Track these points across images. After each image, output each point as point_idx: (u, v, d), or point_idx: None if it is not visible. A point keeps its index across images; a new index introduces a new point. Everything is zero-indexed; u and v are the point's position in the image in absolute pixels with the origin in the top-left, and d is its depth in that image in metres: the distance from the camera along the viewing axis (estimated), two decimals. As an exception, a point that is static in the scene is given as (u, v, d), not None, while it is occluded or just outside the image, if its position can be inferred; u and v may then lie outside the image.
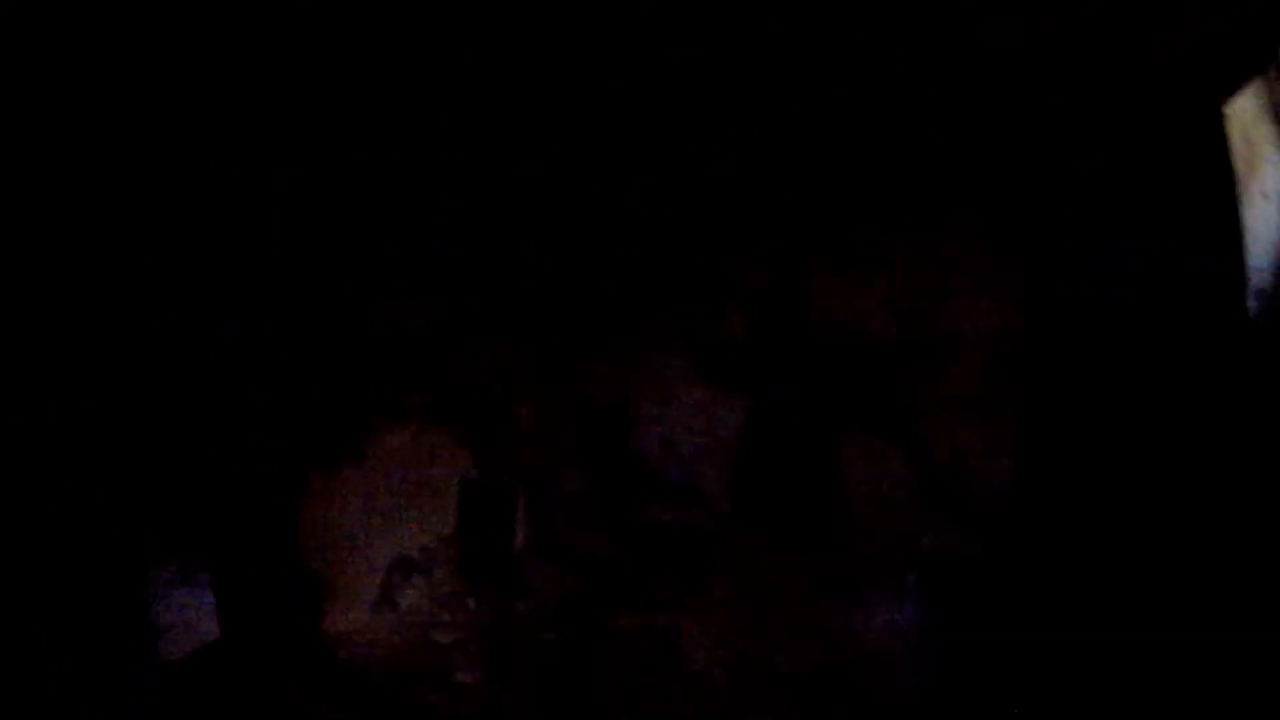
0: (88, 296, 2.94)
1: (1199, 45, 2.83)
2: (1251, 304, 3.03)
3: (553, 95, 2.81)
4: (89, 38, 2.40)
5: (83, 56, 2.44)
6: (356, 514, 3.41)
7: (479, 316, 3.43)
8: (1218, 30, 2.77)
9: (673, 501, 3.60)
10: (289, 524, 3.35)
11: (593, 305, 3.56)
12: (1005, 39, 2.73)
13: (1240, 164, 3.13)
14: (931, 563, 3.27)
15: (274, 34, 2.50)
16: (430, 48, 2.64)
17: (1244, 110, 3.16)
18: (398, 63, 2.67)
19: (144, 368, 3.09)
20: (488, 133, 2.91)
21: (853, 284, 3.45)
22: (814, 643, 3.25)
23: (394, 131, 2.88)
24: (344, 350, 3.29)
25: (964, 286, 3.45)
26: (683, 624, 3.30)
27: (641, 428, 3.64)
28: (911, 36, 2.71)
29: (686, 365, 3.59)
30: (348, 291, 3.19)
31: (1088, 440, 3.19)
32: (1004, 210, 3.33)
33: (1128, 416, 3.14)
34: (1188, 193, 3.11)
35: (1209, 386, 3.07)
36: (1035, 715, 2.90)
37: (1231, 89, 3.03)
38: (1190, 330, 3.09)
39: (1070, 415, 3.23)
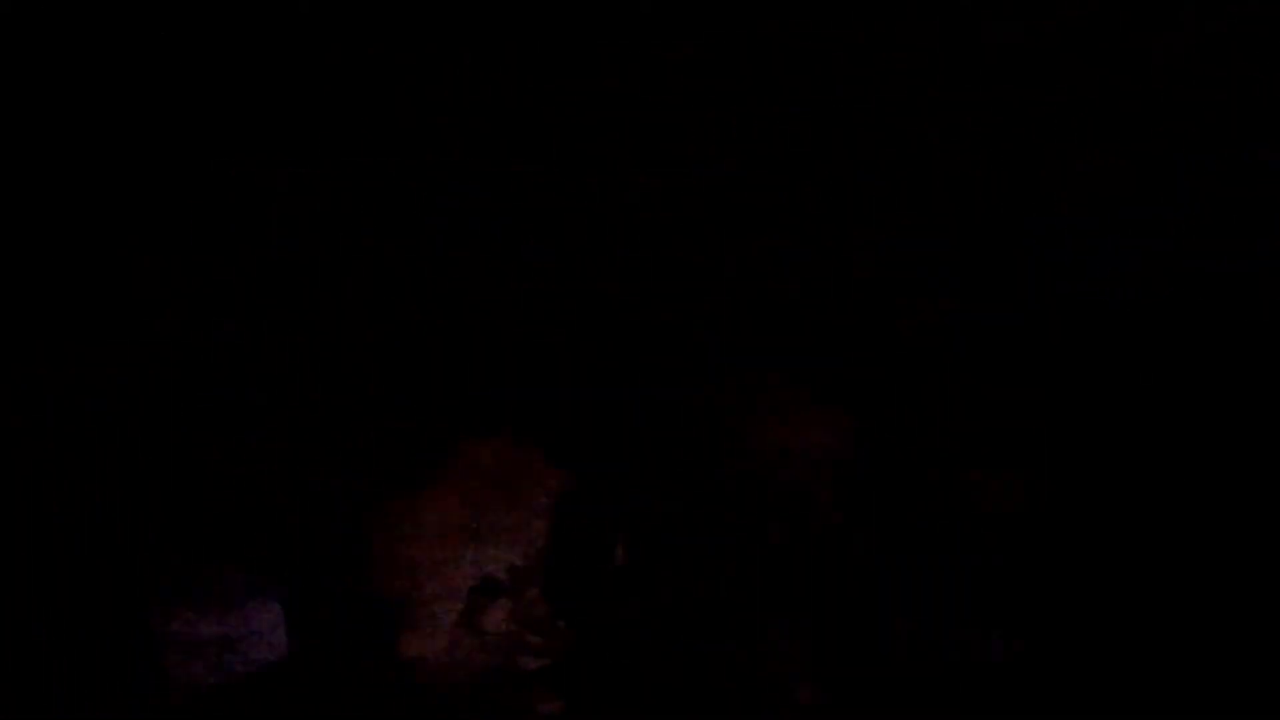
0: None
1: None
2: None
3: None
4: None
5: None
6: (438, 532, 3.32)
7: (574, 330, 3.37)
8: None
9: (782, 520, 3.56)
10: (365, 541, 3.31)
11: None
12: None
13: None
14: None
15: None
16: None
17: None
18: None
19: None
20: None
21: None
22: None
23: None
24: (424, 360, 3.25)
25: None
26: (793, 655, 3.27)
27: (751, 444, 3.60)
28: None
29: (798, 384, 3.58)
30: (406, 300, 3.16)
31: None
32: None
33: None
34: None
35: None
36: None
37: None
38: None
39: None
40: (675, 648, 3.40)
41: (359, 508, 3.28)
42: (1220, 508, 3.13)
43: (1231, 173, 3.18)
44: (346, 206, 3.11)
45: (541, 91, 2.84)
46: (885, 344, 3.67)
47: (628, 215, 3.41)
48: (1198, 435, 3.21)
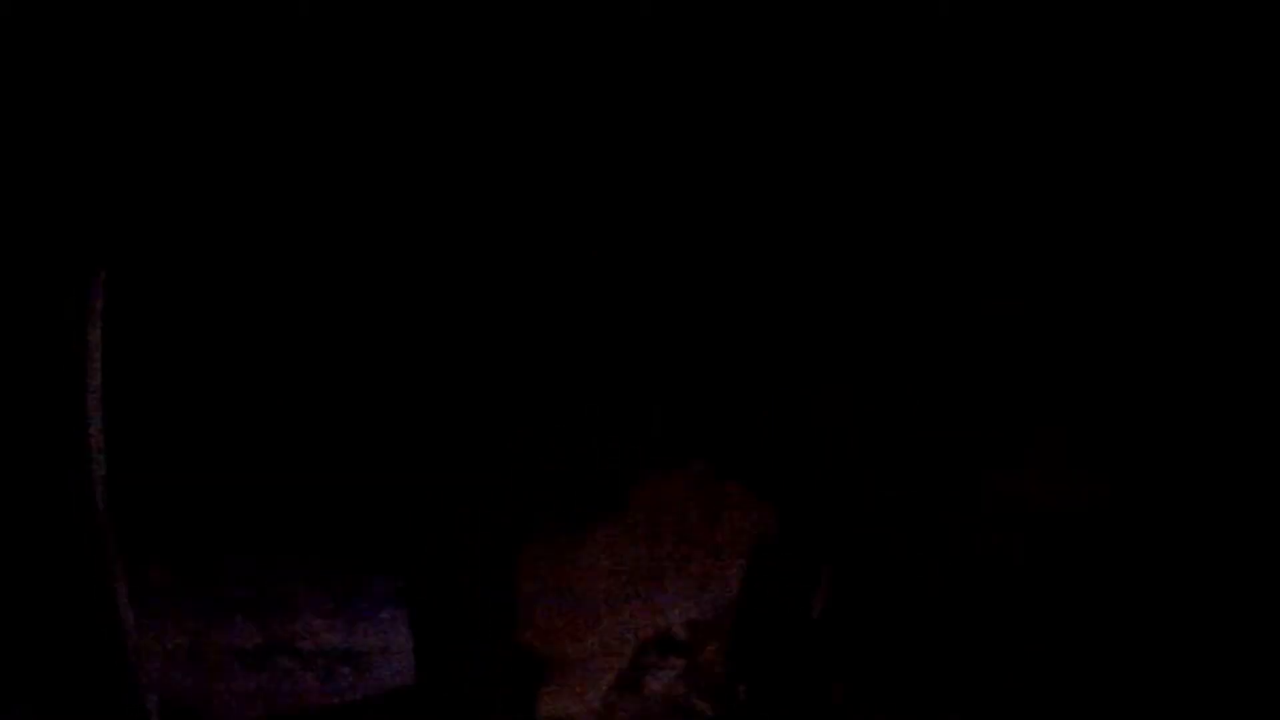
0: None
1: None
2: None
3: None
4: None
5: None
6: (606, 577, 2.74)
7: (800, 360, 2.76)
8: None
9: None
10: (511, 579, 2.71)
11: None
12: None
13: None
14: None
15: None
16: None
17: None
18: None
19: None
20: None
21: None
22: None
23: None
24: (605, 375, 2.63)
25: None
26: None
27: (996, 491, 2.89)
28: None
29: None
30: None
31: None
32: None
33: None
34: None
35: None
36: None
37: None
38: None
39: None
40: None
41: (510, 539, 2.68)
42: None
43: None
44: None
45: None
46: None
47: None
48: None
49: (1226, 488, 2.82)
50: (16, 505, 2.26)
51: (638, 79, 2.52)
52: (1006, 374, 2.82)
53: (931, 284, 2.80)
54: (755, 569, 2.82)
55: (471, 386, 2.63)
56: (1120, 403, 2.88)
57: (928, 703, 2.88)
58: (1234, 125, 2.64)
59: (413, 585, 2.75)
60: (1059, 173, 2.73)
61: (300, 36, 2.45)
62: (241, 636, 2.82)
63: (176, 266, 2.65)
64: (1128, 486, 2.99)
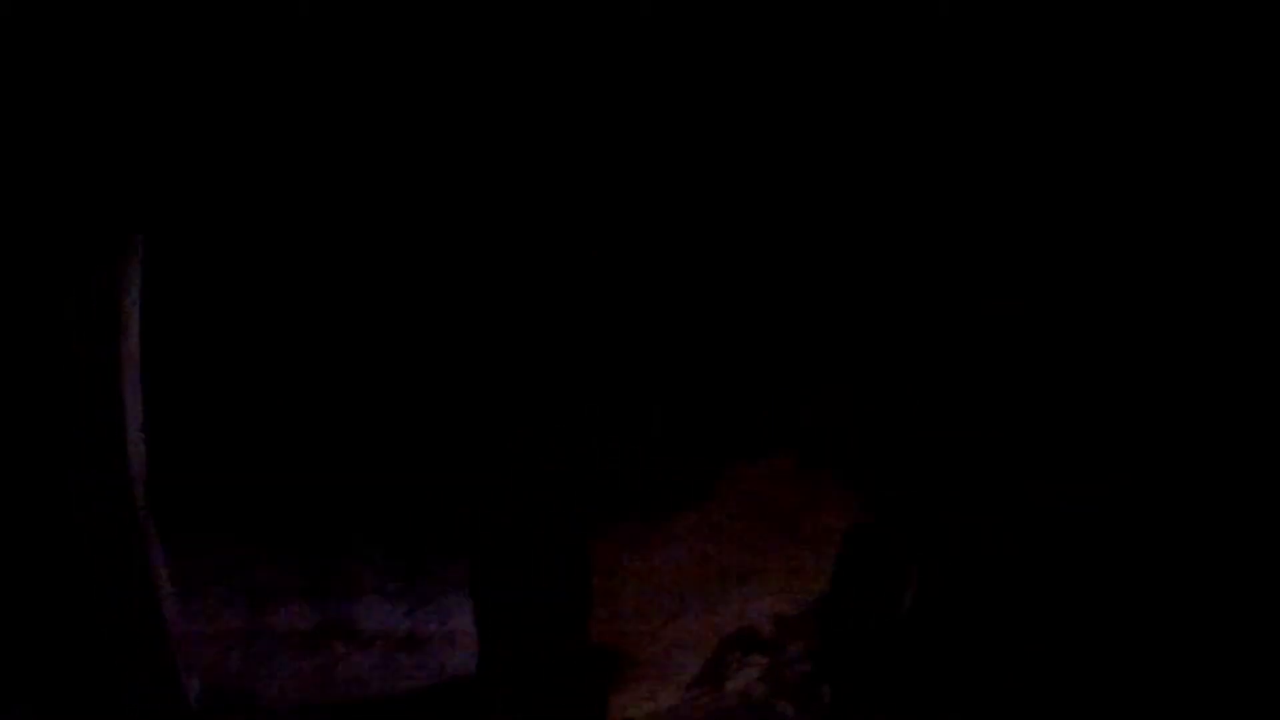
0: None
1: None
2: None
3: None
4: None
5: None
6: (689, 570, 2.53)
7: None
8: None
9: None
10: (584, 569, 2.52)
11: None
12: None
13: None
14: None
15: None
16: None
17: None
18: None
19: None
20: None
21: None
22: None
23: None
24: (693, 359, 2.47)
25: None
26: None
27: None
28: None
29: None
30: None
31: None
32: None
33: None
34: None
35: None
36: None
37: None
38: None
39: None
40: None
41: (587, 528, 2.48)
42: None
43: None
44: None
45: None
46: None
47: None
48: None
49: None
50: (49, 484, 2.11)
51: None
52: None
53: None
54: (845, 563, 2.61)
55: (554, 371, 2.44)
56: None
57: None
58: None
59: (480, 572, 2.57)
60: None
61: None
62: (297, 618, 2.67)
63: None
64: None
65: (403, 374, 2.79)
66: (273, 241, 2.74)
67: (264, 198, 2.37)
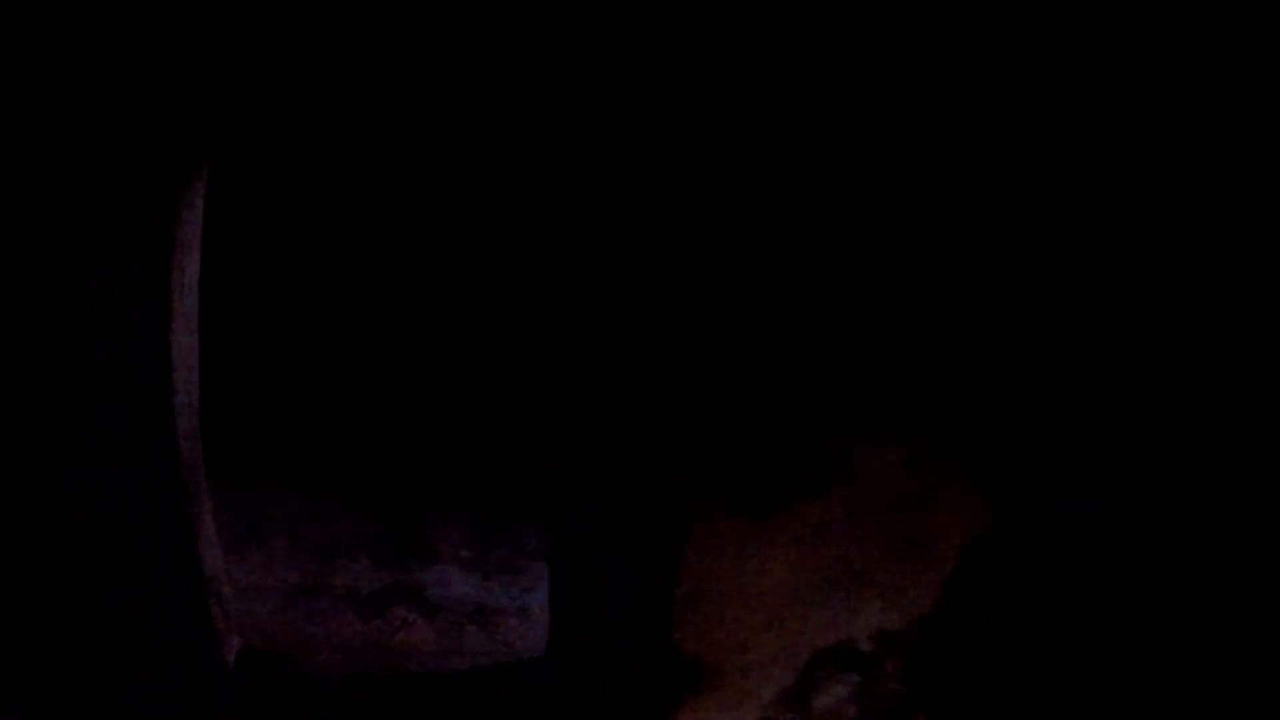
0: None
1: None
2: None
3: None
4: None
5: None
6: (788, 575, 2.27)
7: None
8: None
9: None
10: (669, 567, 2.30)
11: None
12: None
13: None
14: None
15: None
16: None
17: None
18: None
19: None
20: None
21: None
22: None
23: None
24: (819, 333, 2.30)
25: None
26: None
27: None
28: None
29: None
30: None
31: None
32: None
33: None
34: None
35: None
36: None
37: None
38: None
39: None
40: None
41: (678, 519, 2.22)
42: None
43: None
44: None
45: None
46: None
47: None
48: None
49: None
50: (81, 415, 1.95)
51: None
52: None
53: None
54: (963, 575, 2.30)
55: (657, 353, 2.22)
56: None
57: None
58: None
59: (562, 546, 2.34)
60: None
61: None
62: (361, 578, 2.48)
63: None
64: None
65: (500, 327, 2.59)
66: (347, 187, 2.61)
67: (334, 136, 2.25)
